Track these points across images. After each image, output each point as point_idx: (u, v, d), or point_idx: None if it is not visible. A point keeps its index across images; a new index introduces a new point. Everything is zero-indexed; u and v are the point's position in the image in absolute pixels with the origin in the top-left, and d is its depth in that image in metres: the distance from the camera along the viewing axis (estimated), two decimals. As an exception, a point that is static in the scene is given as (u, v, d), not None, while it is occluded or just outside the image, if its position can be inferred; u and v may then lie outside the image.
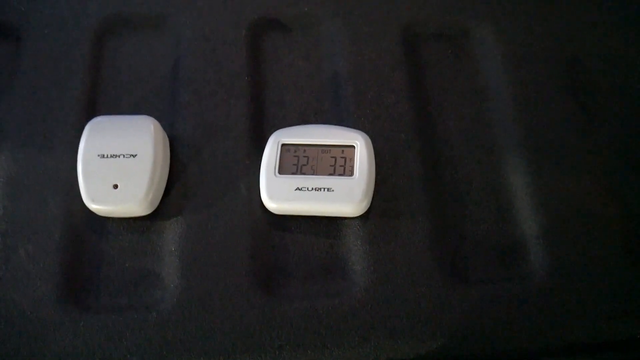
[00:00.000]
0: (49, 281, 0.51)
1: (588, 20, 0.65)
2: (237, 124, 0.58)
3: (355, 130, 0.55)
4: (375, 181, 0.54)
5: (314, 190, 0.52)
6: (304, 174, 0.53)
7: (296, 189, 0.52)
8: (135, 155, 0.53)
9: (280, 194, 0.52)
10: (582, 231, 0.55)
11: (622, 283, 0.52)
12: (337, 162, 0.53)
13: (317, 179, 0.52)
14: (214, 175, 0.55)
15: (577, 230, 0.55)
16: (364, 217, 0.54)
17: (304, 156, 0.54)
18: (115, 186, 0.52)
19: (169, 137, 0.57)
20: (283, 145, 0.54)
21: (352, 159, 0.53)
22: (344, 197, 0.52)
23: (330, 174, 0.53)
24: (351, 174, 0.53)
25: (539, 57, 0.63)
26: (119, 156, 0.53)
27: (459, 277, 0.53)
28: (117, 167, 0.52)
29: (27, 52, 0.61)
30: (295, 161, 0.54)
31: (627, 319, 0.51)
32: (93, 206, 0.52)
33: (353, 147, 0.54)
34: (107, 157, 0.53)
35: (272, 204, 0.52)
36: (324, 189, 0.52)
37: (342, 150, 0.54)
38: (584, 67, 0.63)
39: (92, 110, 0.59)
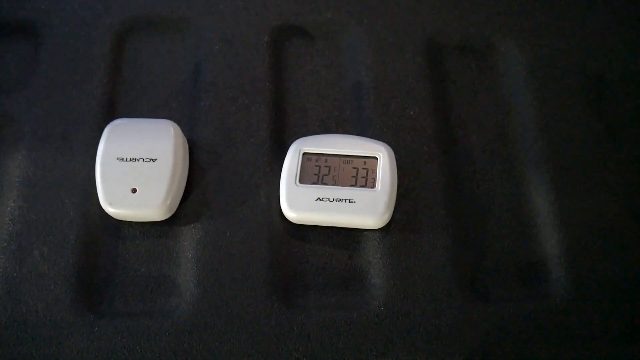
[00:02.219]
0: (64, 284, 0.50)
1: (613, 38, 0.65)
2: (258, 130, 0.57)
3: (377, 141, 0.54)
4: (397, 194, 0.53)
5: (335, 201, 0.51)
6: (325, 184, 0.52)
7: (317, 199, 0.51)
8: (155, 159, 0.52)
9: (300, 203, 0.52)
10: (604, 251, 0.54)
11: (645, 305, 0.52)
12: (359, 173, 0.53)
13: (338, 189, 0.52)
14: (234, 182, 0.55)
15: (599, 250, 0.54)
16: (384, 230, 0.53)
17: (326, 166, 0.53)
18: (134, 190, 0.51)
19: (188, 141, 0.56)
20: (304, 154, 0.54)
21: (374, 171, 0.53)
22: (366, 209, 0.51)
23: (352, 185, 0.52)
24: (373, 185, 0.52)
25: (563, 73, 0.62)
26: (138, 160, 0.52)
27: (479, 293, 0.52)
28: (136, 170, 0.52)
29: (47, 51, 0.61)
30: (317, 171, 0.53)
31: (649, 343, 0.50)
32: (110, 210, 0.51)
33: (376, 158, 0.53)
34: (126, 160, 0.52)
35: (292, 213, 0.52)
36: (345, 200, 0.51)
37: (365, 162, 0.53)
38: (608, 85, 0.62)
39: (111, 112, 0.58)
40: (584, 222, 0.55)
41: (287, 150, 0.54)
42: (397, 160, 0.54)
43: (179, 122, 0.55)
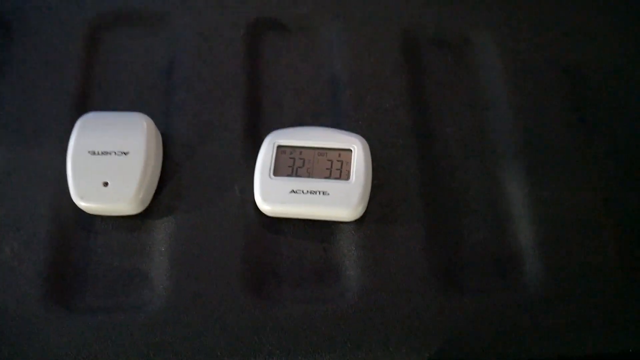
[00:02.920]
0: (35, 279, 0.49)
1: (588, 30, 0.65)
2: (233, 124, 0.57)
3: (352, 133, 0.54)
4: (372, 186, 0.53)
5: (309, 193, 0.51)
6: (299, 176, 0.52)
7: (291, 192, 0.51)
8: (127, 152, 0.52)
9: (274, 196, 0.51)
10: (578, 241, 0.54)
11: (619, 294, 0.52)
12: (334, 166, 0.53)
13: (312, 181, 0.52)
14: (208, 175, 0.54)
15: (573, 241, 0.54)
16: (359, 222, 0.53)
17: (300, 158, 0.53)
18: (106, 184, 0.51)
19: (162, 135, 0.55)
20: (279, 146, 0.53)
21: (348, 163, 0.52)
22: (340, 201, 0.51)
23: (326, 177, 0.52)
24: (347, 178, 0.52)
25: (539, 66, 0.63)
26: (110, 153, 0.52)
27: (454, 285, 0.52)
28: (108, 164, 0.51)
29: (18, 44, 0.60)
30: (291, 163, 0.53)
31: (623, 331, 0.51)
32: (82, 204, 0.51)
33: (350, 150, 0.53)
34: (97, 153, 0.52)
35: (266, 206, 0.51)
36: (320, 192, 0.51)
37: (339, 154, 0.53)
38: (583, 77, 0.63)
39: (84, 106, 0.58)
40: (559, 214, 0.55)
41: (262, 143, 0.54)
42: (373, 153, 0.54)
43: (153, 116, 0.55)
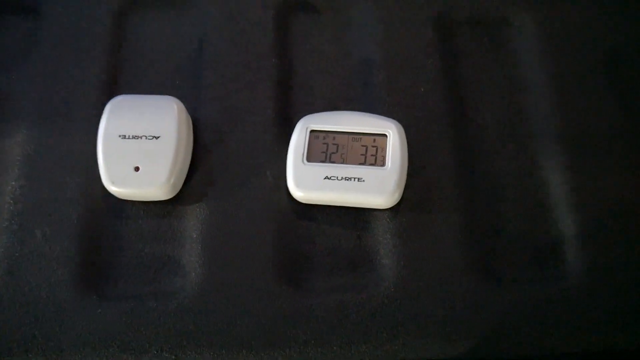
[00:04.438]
0: (66, 265, 0.49)
1: (629, 10, 0.62)
2: (263, 107, 0.55)
3: (387, 118, 0.53)
4: (407, 172, 0.51)
5: (343, 180, 0.50)
6: (333, 162, 0.51)
7: (325, 178, 0.50)
8: (158, 137, 0.51)
9: (308, 182, 0.50)
10: (621, 231, 0.52)
11: (664, 287, 0.50)
12: (369, 151, 0.51)
13: (347, 168, 0.50)
14: (239, 160, 0.53)
15: (615, 230, 0.52)
16: (394, 210, 0.51)
17: (334, 144, 0.51)
18: (137, 168, 0.50)
19: (192, 119, 0.54)
20: (312, 131, 0.52)
21: (384, 149, 0.51)
22: (375, 188, 0.49)
23: (361, 164, 0.51)
24: (383, 164, 0.50)
25: (579, 48, 0.60)
26: (141, 137, 0.51)
27: (492, 275, 0.51)
28: (139, 148, 0.50)
29: (47, 29, 0.59)
30: (324, 149, 0.51)
31: (668, 325, 0.49)
32: (113, 188, 0.50)
33: (385, 136, 0.51)
34: (128, 138, 0.51)
35: (300, 192, 0.50)
36: (354, 178, 0.50)
37: (374, 139, 0.51)
38: (624, 59, 0.60)
39: (113, 89, 0.57)
40: (600, 202, 0.53)
41: (294, 127, 0.53)
42: (407, 137, 0.52)
43: (182, 100, 0.54)
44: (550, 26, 0.61)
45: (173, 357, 0.46)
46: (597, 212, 0.53)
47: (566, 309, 0.49)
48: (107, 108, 0.52)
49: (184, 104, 0.53)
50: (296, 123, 0.53)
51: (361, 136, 0.52)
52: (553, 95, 0.57)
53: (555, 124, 0.56)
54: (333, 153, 0.51)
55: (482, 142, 0.56)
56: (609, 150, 0.55)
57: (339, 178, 0.50)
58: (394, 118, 0.53)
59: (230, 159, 0.53)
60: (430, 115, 0.56)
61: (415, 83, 0.57)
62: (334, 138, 0.52)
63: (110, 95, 0.54)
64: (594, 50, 0.60)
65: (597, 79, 0.59)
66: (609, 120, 0.57)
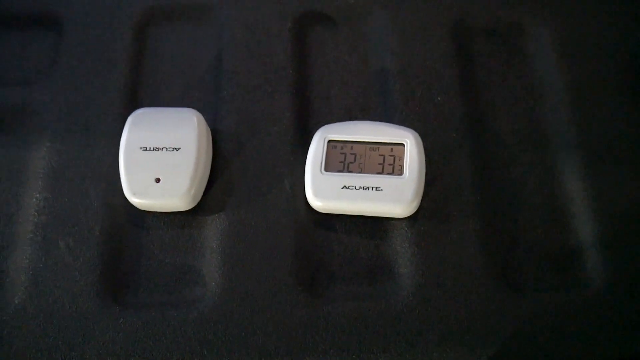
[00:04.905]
0: (89, 275, 0.50)
1: (646, 17, 0.62)
2: (282, 118, 0.56)
3: (404, 127, 0.53)
4: (425, 181, 0.51)
5: (361, 189, 0.50)
6: (351, 171, 0.51)
7: (343, 187, 0.50)
8: (179, 148, 0.51)
9: (326, 192, 0.50)
10: (641, 239, 0.52)
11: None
12: (386, 161, 0.51)
13: (365, 177, 0.50)
14: (258, 170, 0.54)
15: (635, 238, 0.52)
16: (412, 218, 0.51)
17: (352, 153, 0.52)
18: (158, 180, 0.51)
19: (211, 130, 0.55)
20: (330, 141, 0.52)
21: (401, 158, 0.51)
22: (393, 197, 0.50)
23: (379, 173, 0.51)
24: (400, 173, 0.50)
25: (595, 55, 0.60)
26: (162, 149, 0.51)
27: (511, 283, 0.50)
28: (160, 160, 0.51)
29: (70, 42, 0.60)
30: (342, 158, 0.52)
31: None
32: (134, 200, 0.51)
33: (403, 145, 0.52)
34: (149, 150, 0.51)
35: (318, 202, 0.50)
36: (372, 188, 0.50)
37: (392, 149, 0.52)
38: (642, 66, 0.60)
39: (134, 101, 0.58)
40: (620, 208, 0.53)
41: (312, 138, 0.53)
42: (425, 146, 0.52)
43: (201, 111, 0.55)
44: (566, 34, 0.61)
45: (194, 366, 0.47)
46: (616, 219, 0.52)
47: (586, 317, 0.49)
48: (129, 120, 0.53)
49: (203, 116, 0.54)
50: (314, 133, 0.54)
51: (379, 145, 0.52)
52: (570, 102, 0.57)
53: (573, 132, 0.56)
54: (351, 163, 0.52)
55: (499, 150, 0.56)
56: (627, 157, 0.55)
57: (357, 187, 0.50)
58: (411, 127, 0.54)
59: (249, 169, 0.54)
60: (447, 123, 0.56)
61: (432, 92, 0.58)
62: (351, 148, 0.52)
63: (132, 108, 0.55)
64: (611, 57, 0.60)
65: (614, 86, 0.58)
66: (626, 127, 0.56)
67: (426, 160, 0.52)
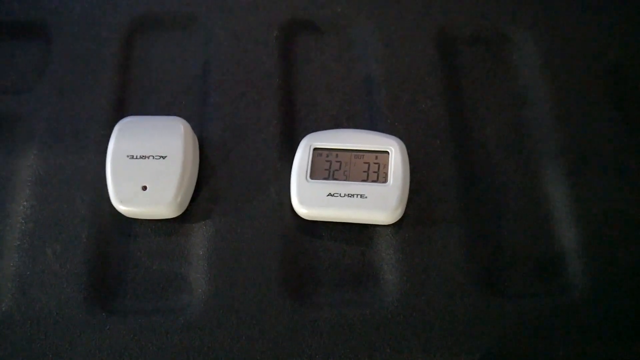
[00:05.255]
0: (76, 282, 0.50)
1: (630, 25, 0.63)
2: (268, 126, 0.57)
3: (389, 135, 0.54)
4: (410, 188, 0.52)
5: (346, 197, 0.51)
6: (336, 179, 0.52)
7: (328, 195, 0.51)
8: (165, 156, 0.52)
9: (311, 199, 0.51)
10: (623, 244, 0.52)
11: (668, 300, 0.50)
12: (371, 168, 0.52)
13: (349, 184, 0.51)
14: (244, 178, 0.54)
15: (617, 242, 0.53)
16: (397, 225, 0.52)
17: (337, 161, 0.52)
18: (144, 188, 0.51)
19: (198, 138, 0.56)
20: (315, 149, 0.53)
21: (386, 165, 0.52)
22: (378, 204, 0.50)
23: (364, 180, 0.51)
24: (385, 180, 0.51)
25: (579, 63, 0.61)
26: (149, 157, 0.52)
27: (495, 289, 0.51)
28: (146, 168, 0.51)
29: (57, 51, 0.61)
30: (327, 166, 0.52)
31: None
32: (121, 207, 0.51)
33: (387, 152, 0.52)
34: (136, 158, 0.52)
35: (303, 209, 0.51)
36: (357, 195, 0.51)
37: (376, 156, 0.52)
38: (625, 74, 0.61)
39: (121, 110, 0.58)
40: (602, 214, 0.54)
41: (298, 145, 0.54)
42: (410, 154, 0.53)
43: (188, 119, 0.55)
44: (549, 42, 0.62)
45: (180, 373, 0.47)
46: (598, 224, 0.53)
47: (569, 321, 0.49)
48: (116, 129, 0.53)
49: (190, 124, 0.55)
50: (300, 141, 0.54)
51: (363, 153, 0.53)
52: (554, 109, 0.58)
53: (557, 138, 0.57)
54: (336, 170, 0.52)
55: (483, 157, 0.56)
56: (609, 163, 0.56)
57: (342, 195, 0.51)
58: (396, 135, 0.54)
59: (235, 177, 0.54)
60: (432, 131, 0.57)
61: (417, 100, 0.58)
62: (336, 155, 0.53)
63: (119, 116, 0.56)
64: (594, 64, 0.61)
65: (597, 93, 0.59)
66: (609, 133, 0.57)
67: (411, 168, 0.52)
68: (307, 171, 0.52)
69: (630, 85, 0.60)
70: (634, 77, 0.61)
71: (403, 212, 0.51)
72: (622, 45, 0.62)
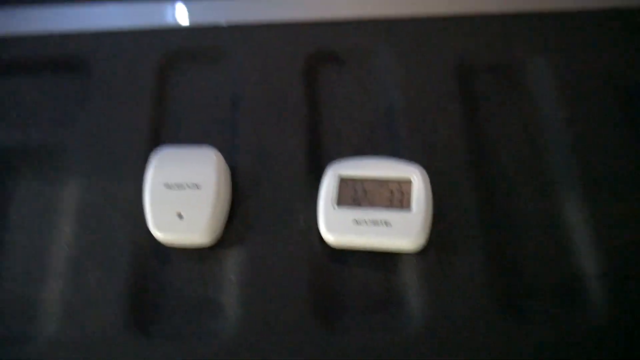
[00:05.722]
0: (116, 307, 0.53)
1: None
2: (295, 155, 0.59)
3: (411, 163, 0.56)
4: (432, 215, 0.54)
5: (372, 224, 0.53)
6: (361, 206, 0.54)
7: (354, 222, 0.53)
8: (199, 185, 0.55)
9: (338, 226, 0.53)
10: (643, 269, 0.54)
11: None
12: (395, 196, 0.54)
13: (374, 212, 0.53)
14: (274, 206, 0.57)
15: (638, 269, 0.54)
16: (421, 252, 0.54)
17: (362, 189, 0.55)
18: (180, 216, 0.54)
19: (230, 167, 0.58)
20: (341, 177, 0.55)
21: (409, 193, 0.54)
22: (402, 232, 0.52)
23: (388, 207, 0.54)
24: (408, 208, 0.53)
25: (595, 87, 0.62)
26: (184, 186, 0.55)
27: (518, 314, 0.52)
28: (182, 197, 0.54)
29: (97, 85, 0.64)
30: (353, 194, 0.55)
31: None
32: (158, 235, 0.54)
33: (410, 180, 0.55)
34: (172, 186, 0.55)
35: (331, 236, 0.53)
36: (382, 222, 0.53)
37: (399, 184, 0.55)
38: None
39: (156, 140, 0.61)
40: (623, 239, 0.55)
41: (324, 173, 0.56)
42: (431, 181, 0.55)
43: (220, 148, 0.58)
44: (565, 70, 0.63)
45: (215, 393, 0.50)
46: (619, 249, 0.54)
47: (590, 347, 0.50)
48: (153, 159, 0.57)
49: (222, 152, 0.58)
50: (326, 168, 0.57)
51: (387, 181, 0.55)
52: (571, 136, 0.60)
53: (574, 163, 0.58)
54: (361, 198, 0.54)
55: (503, 183, 0.58)
56: (628, 190, 0.57)
57: (368, 222, 0.53)
58: (417, 162, 0.57)
59: (265, 205, 0.57)
60: (453, 158, 0.59)
61: (437, 127, 0.61)
62: (362, 184, 0.55)
63: (155, 146, 0.59)
64: (610, 90, 0.62)
65: (614, 119, 0.61)
66: (626, 157, 0.59)
67: (433, 195, 0.55)
68: (333, 199, 0.54)
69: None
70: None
71: (426, 239, 0.53)
72: (635, 69, 0.63)
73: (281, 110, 0.62)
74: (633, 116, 0.61)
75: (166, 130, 0.62)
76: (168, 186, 0.55)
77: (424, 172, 0.55)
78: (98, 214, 0.57)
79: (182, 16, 0.69)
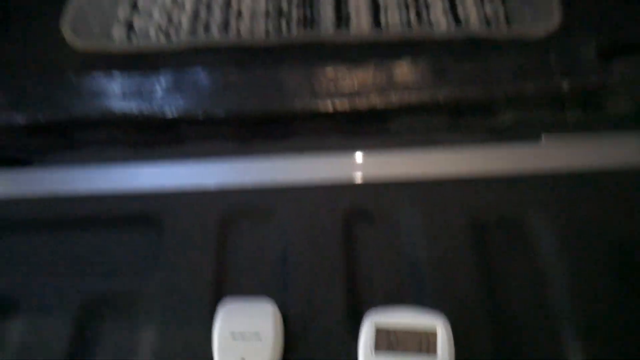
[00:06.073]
0: None
1: (635, 203, 0.76)
2: (337, 304, 0.70)
3: (436, 312, 0.67)
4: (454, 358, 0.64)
5: (405, 369, 0.63)
6: (396, 352, 0.64)
7: (390, 368, 0.63)
8: (259, 333, 0.66)
9: (377, 372, 0.64)
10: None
11: None
12: (423, 343, 0.65)
13: (407, 357, 0.63)
14: (320, 351, 0.67)
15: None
16: (446, 396, 0.64)
17: (395, 337, 0.65)
18: (243, 361, 0.65)
19: (282, 315, 0.70)
20: (377, 326, 0.66)
21: (434, 341, 0.64)
22: (431, 377, 0.62)
23: (418, 353, 0.64)
24: (435, 353, 0.64)
25: (589, 241, 0.74)
26: (246, 334, 0.66)
27: None
28: (245, 345, 0.65)
29: (167, 238, 0.77)
30: (388, 340, 0.65)
31: None
32: (225, 381, 0.65)
33: (435, 329, 0.65)
34: (236, 335, 0.66)
35: (370, 382, 0.64)
36: (414, 368, 0.63)
37: (427, 332, 0.65)
38: (632, 250, 0.73)
39: (219, 289, 0.73)
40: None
41: (362, 320, 0.67)
42: (453, 328, 0.66)
43: (273, 297, 0.69)
44: (565, 225, 0.75)
45: None
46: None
47: None
48: (220, 310, 0.68)
49: (275, 301, 0.69)
50: (362, 315, 0.68)
51: (416, 330, 0.65)
52: (570, 287, 0.71)
53: (576, 317, 0.68)
54: (395, 344, 0.65)
55: (515, 330, 0.69)
56: (628, 339, 0.67)
57: (402, 367, 0.63)
58: (441, 309, 0.67)
59: (311, 349, 0.67)
60: (471, 305, 0.70)
61: (456, 277, 0.72)
62: (395, 332, 0.66)
63: (218, 294, 0.71)
64: (605, 244, 0.73)
65: (608, 270, 0.71)
66: (619, 306, 0.69)
67: (455, 341, 0.65)
68: (372, 346, 0.65)
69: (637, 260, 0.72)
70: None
71: (452, 384, 0.63)
72: (627, 224, 0.75)
73: (323, 263, 0.74)
74: (626, 267, 0.72)
75: (228, 280, 0.74)
76: (233, 334, 0.66)
77: (447, 321, 0.66)
78: (170, 357, 0.68)
79: (238, 177, 0.83)
